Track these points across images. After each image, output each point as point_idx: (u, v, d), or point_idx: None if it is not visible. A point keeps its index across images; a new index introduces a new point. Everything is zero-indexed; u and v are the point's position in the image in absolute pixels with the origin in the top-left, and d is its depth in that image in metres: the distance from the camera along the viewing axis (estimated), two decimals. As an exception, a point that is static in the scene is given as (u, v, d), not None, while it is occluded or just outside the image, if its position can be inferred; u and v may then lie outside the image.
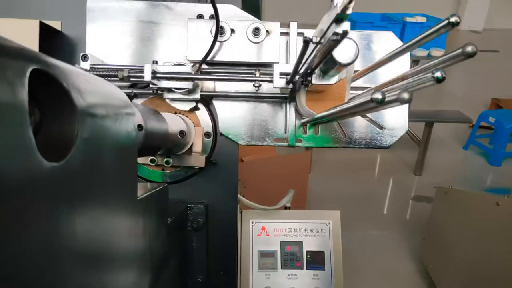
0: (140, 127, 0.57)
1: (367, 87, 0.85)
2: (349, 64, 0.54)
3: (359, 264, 2.52)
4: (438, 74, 0.38)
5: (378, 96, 0.37)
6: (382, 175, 3.66)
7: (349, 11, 0.36)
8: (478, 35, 8.75)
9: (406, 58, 0.88)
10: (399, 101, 0.37)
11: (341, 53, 0.52)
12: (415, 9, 6.13)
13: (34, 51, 0.27)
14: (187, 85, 0.80)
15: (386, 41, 0.89)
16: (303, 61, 0.57)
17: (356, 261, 2.52)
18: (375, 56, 0.88)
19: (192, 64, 0.82)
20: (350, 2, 0.34)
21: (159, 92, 0.83)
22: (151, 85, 0.80)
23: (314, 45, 0.52)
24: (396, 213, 3.11)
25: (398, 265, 2.58)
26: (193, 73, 0.79)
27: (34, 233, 0.25)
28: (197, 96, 0.84)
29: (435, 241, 2.28)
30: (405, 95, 0.37)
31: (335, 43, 0.43)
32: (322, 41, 0.47)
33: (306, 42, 0.49)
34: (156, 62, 0.80)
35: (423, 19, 4.80)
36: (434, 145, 3.72)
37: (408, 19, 4.73)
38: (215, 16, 0.78)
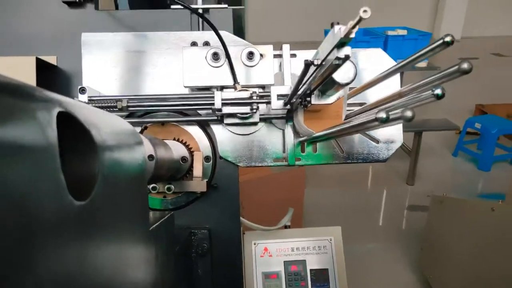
0: (151, 157, 0.58)
1: (360, 103, 0.87)
2: (348, 84, 0.55)
3: (359, 277, 2.51)
4: (438, 91, 0.39)
5: (383, 115, 0.39)
6: (376, 187, 3.68)
7: (352, 35, 0.38)
8: (456, 44, 8.94)
9: (397, 78, 0.90)
10: (403, 119, 0.38)
11: (341, 74, 0.54)
12: (395, 23, 6.29)
13: (57, 94, 0.28)
14: (249, 109, 0.82)
15: (375, 58, 0.91)
16: (303, 82, 0.59)
17: (356, 274, 2.51)
18: (365, 73, 0.90)
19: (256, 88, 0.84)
20: (354, 27, 0.36)
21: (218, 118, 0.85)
22: (216, 112, 0.81)
23: (314, 68, 0.53)
24: (392, 224, 3.12)
25: (398, 276, 2.57)
26: (254, 98, 0.81)
27: (62, 268, 0.26)
28: (256, 119, 0.85)
29: (433, 250, 2.28)
30: (409, 113, 0.38)
31: (337, 66, 0.45)
32: (323, 63, 0.48)
33: (307, 65, 0.50)
34: (222, 89, 0.82)
35: (404, 32, 4.94)
36: (424, 153, 3.77)
37: (390, 33, 4.85)
38: (222, 43, 0.81)
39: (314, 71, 0.54)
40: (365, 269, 2.60)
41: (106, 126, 0.36)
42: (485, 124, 3.84)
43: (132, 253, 0.41)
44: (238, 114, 0.83)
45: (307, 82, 0.59)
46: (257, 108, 0.83)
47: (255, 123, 0.87)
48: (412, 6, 9.44)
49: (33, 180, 0.22)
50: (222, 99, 0.80)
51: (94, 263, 0.31)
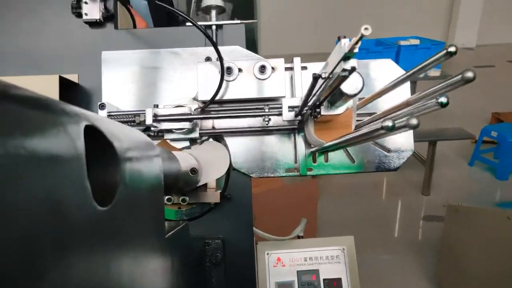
0: None
1: (371, 113, 0.88)
2: (355, 94, 0.57)
3: (375, 289, 2.48)
4: (442, 99, 0.41)
5: (389, 123, 0.40)
6: (390, 197, 3.65)
7: (355, 50, 0.40)
8: (472, 52, 8.91)
9: (406, 83, 0.91)
10: (408, 126, 0.40)
11: (348, 85, 0.56)
12: (407, 32, 6.29)
13: (83, 109, 0.30)
14: (187, 125, 0.85)
15: (385, 69, 0.93)
16: (312, 94, 0.61)
17: (371, 285, 2.48)
18: (376, 83, 0.92)
19: (194, 104, 0.87)
20: (356, 43, 0.38)
21: (159, 134, 0.88)
22: (152, 128, 0.85)
23: (322, 80, 0.55)
24: (408, 235, 3.08)
25: (414, 287, 2.53)
26: (191, 113, 0.84)
27: (89, 271, 0.28)
28: (196, 134, 0.88)
29: (449, 260, 2.25)
30: (414, 121, 0.39)
31: (344, 78, 0.47)
32: (330, 76, 0.50)
33: (316, 78, 0.53)
34: (157, 106, 0.85)
35: (417, 42, 4.93)
36: (439, 163, 3.73)
37: (402, 43, 4.85)
38: (219, 59, 0.83)
39: (323, 83, 0.56)
40: (380, 280, 2.57)
41: (127, 139, 0.39)
42: (502, 133, 3.78)
43: (149, 258, 0.43)
44: (174, 130, 0.86)
45: (317, 94, 0.61)
46: (196, 124, 0.87)
47: (196, 139, 0.89)
48: (425, 15, 9.42)
49: (64, 187, 0.25)
50: (159, 115, 0.83)
51: (116, 267, 0.33)
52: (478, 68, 6.70)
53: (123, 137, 0.38)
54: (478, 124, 4.34)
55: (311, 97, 0.63)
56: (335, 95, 0.60)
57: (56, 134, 0.25)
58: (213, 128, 0.91)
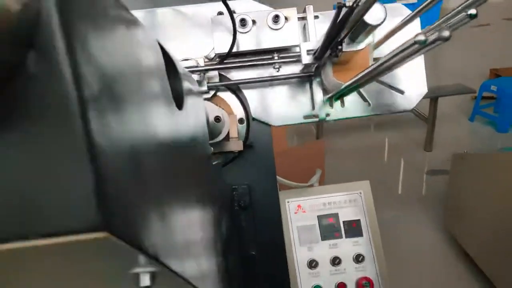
0: None
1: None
2: (379, 25, 0.60)
3: (387, 245, 2.56)
4: (472, 11, 0.43)
5: (421, 37, 0.43)
6: (393, 157, 3.70)
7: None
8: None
9: (417, 24, 0.93)
10: (441, 39, 0.42)
11: (371, 15, 0.58)
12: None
13: None
14: (194, 77, 0.86)
15: (396, 12, 0.94)
16: (335, 27, 0.62)
17: (383, 243, 2.56)
18: (388, 27, 0.94)
19: (200, 58, 0.90)
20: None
21: None
22: None
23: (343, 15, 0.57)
24: (414, 189, 3.16)
25: (425, 238, 2.62)
26: (198, 66, 0.86)
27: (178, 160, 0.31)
28: (204, 88, 0.90)
29: (457, 208, 2.32)
30: (446, 33, 0.42)
31: (371, 3, 0.49)
32: (355, 5, 0.52)
33: (340, 7, 0.55)
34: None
35: (414, 0, 4.89)
36: (440, 120, 3.77)
37: (400, 2, 4.80)
38: (229, 12, 0.84)
39: (345, 15, 0.58)
40: (390, 234, 2.65)
41: (180, 65, 0.42)
42: (501, 86, 3.81)
43: (206, 172, 0.47)
44: None
45: (339, 28, 0.63)
46: (203, 77, 0.88)
47: (206, 91, 0.91)
48: (418, -25, 9.22)
49: (160, 86, 0.28)
50: None
51: (192, 161, 0.37)
52: (474, 28, 6.63)
53: (177, 62, 0.41)
54: (477, 81, 4.35)
55: (335, 31, 0.65)
56: (357, 29, 0.63)
57: (147, 46, 0.28)
58: (227, 80, 0.93)
